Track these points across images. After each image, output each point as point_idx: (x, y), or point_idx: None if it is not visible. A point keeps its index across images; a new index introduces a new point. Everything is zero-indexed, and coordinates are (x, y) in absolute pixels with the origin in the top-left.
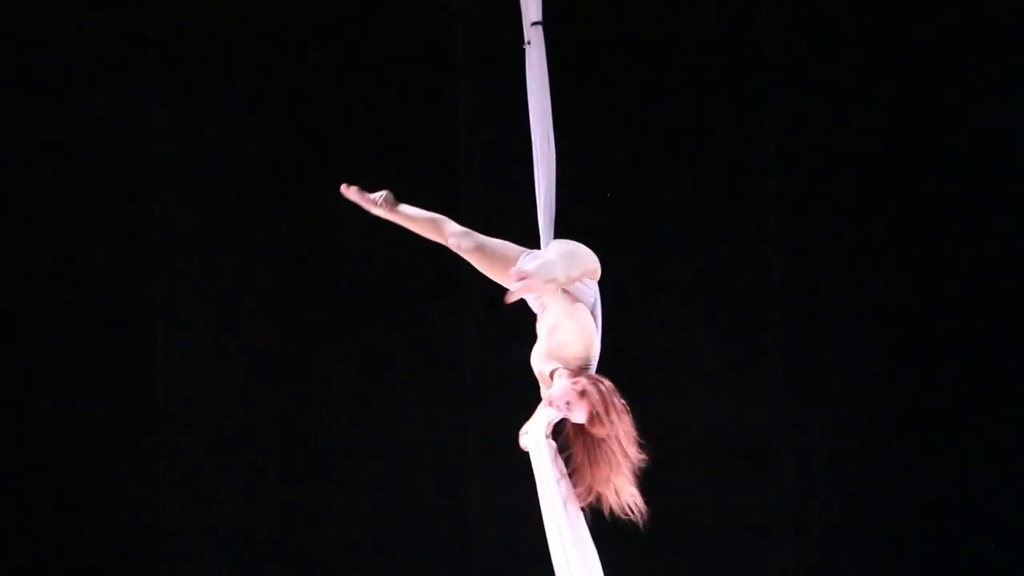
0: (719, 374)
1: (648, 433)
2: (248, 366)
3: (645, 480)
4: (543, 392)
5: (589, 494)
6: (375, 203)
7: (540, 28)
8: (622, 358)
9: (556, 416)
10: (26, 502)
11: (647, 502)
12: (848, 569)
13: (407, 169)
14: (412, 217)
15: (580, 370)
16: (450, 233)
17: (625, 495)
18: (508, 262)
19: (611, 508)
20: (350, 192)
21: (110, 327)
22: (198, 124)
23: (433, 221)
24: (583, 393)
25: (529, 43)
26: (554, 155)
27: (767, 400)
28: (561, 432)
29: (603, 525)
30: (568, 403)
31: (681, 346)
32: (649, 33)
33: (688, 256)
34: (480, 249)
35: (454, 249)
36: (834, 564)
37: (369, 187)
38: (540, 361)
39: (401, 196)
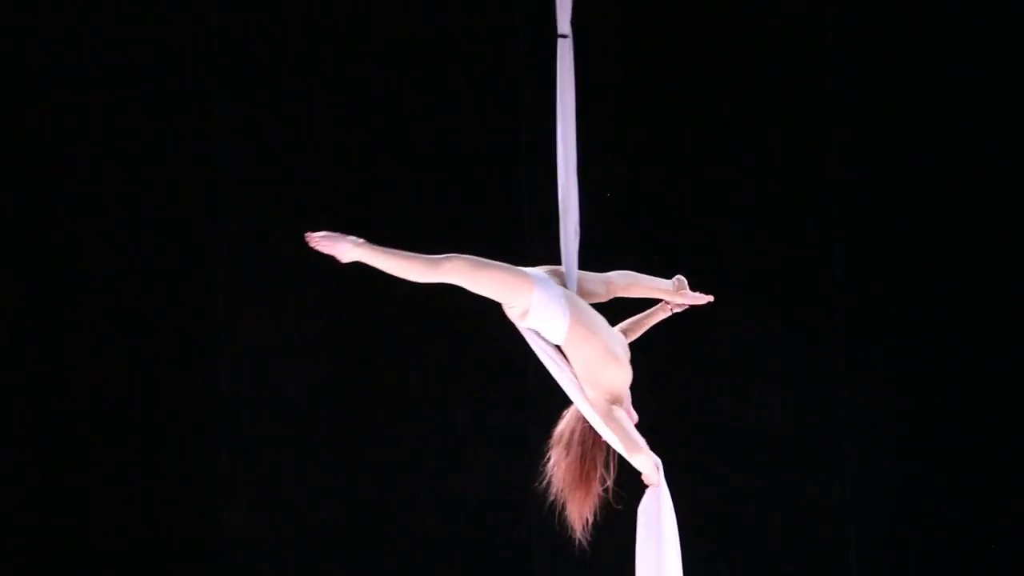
0: (782, 366)
1: (712, 425)
2: (312, 358)
3: (710, 473)
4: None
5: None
6: (353, 244)
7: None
8: (686, 352)
9: None
10: (90, 494)
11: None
12: (911, 560)
13: (467, 165)
14: (398, 256)
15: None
16: (451, 266)
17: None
18: (519, 286)
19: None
20: (320, 237)
21: (174, 318)
22: (262, 117)
23: (422, 258)
24: None
25: (566, 36)
26: (575, 166)
27: (830, 392)
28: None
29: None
30: None
31: (744, 338)
32: (711, 24)
33: (750, 248)
34: (484, 277)
35: (458, 282)
36: (897, 555)
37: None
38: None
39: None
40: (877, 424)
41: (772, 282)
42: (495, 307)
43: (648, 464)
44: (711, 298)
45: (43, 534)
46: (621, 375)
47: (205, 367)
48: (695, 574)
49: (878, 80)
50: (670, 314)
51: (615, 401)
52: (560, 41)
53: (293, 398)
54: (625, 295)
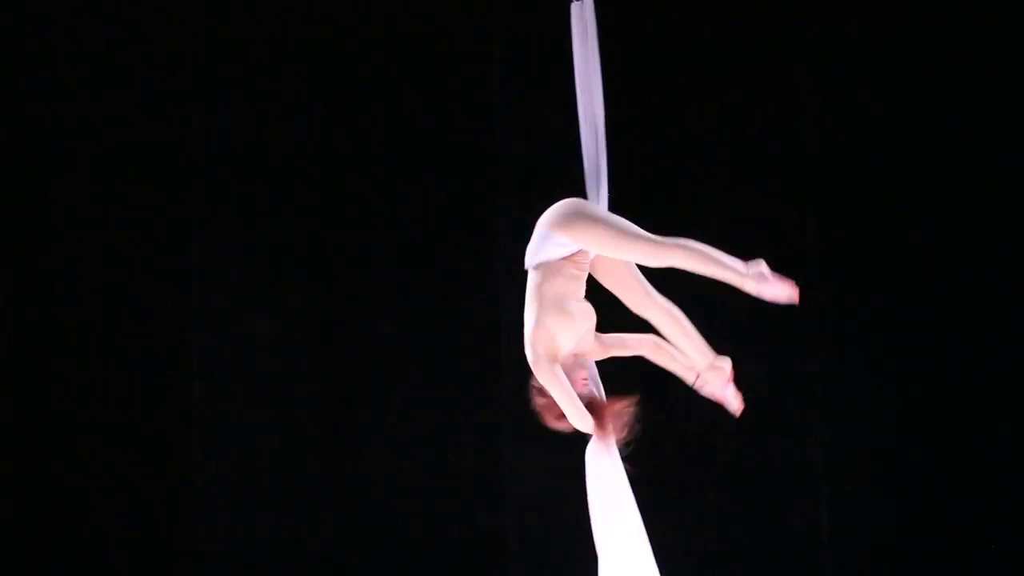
0: (756, 330)
1: (684, 388)
2: (286, 328)
3: (685, 434)
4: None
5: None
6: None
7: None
8: None
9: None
10: (65, 468)
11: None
12: (881, 526)
13: (441, 159)
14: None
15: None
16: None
17: None
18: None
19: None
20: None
21: (147, 291)
22: (243, 116)
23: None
24: None
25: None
26: (602, 118)
27: (802, 356)
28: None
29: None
30: None
31: (718, 302)
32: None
33: (726, 213)
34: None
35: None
36: (867, 521)
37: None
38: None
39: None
40: (849, 392)
41: (747, 247)
42: (468, 271)
43: (584, 426)
44: (740, 406)
45: (13, 519)
46: (569, 336)
47: (178, 335)
48: (666, 535)
49: (855, 53)
50: (688, 382)
51: (557, 360)
52: (574, 5)
53: (265, 366)
54: (639, 314)
